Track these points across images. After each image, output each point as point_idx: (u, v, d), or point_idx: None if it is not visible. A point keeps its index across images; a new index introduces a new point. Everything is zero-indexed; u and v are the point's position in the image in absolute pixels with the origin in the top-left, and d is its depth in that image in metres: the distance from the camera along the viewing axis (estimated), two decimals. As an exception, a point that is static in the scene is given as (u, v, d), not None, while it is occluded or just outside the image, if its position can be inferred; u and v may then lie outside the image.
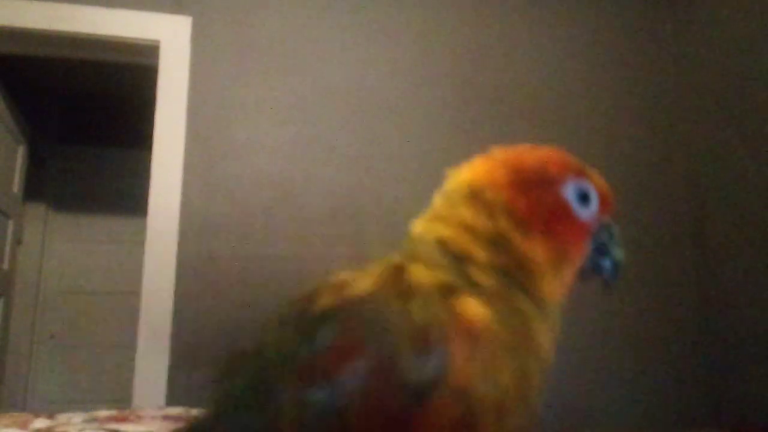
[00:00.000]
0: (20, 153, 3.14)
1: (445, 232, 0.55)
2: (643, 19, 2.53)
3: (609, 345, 2.21)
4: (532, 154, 0.60)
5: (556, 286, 0.54)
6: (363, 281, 0.51)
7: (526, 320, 0.50)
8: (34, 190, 3.64)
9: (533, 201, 0.55)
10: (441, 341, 0.44)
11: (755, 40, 2.09)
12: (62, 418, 1.14)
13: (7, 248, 3.10)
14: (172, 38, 2.13)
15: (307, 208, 2.11)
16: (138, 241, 3.68)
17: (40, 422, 1.08)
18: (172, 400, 1.84)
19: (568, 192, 0.57)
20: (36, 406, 3.55)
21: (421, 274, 0.50)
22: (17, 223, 3.24)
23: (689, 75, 2.44)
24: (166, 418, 1.15)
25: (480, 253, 0.52)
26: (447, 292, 0.48)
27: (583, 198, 0.58)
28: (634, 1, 2.55)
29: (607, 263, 0.60)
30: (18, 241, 3.38)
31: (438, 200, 0.61)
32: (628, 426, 2.14)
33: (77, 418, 1.14)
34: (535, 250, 0.53)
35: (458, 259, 0.52)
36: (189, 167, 2.06)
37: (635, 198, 2.34)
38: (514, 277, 0.52)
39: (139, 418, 1.14)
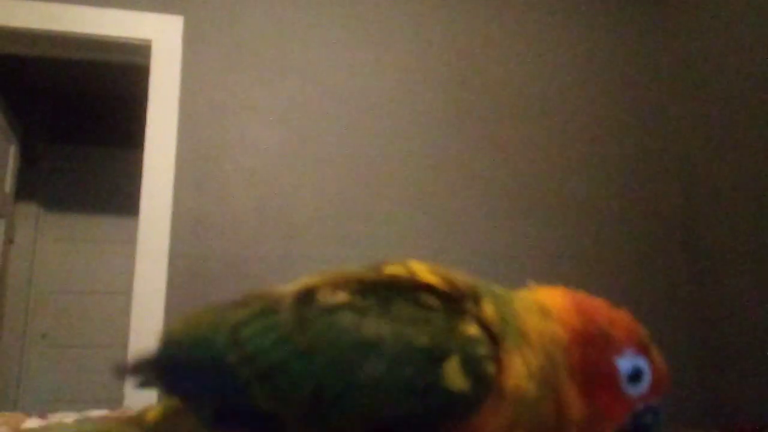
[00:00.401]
0: (12, 152, 3.13)
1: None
2: (638, 21, 2.54)
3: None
4: (605, 311, 0.59)
5: None
6: (428, 276, 0.53)
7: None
8: (25, 190, 3.62)
9: (587, 358, 0.54)
10: (485, 361, 0.48)
11: (750, 42, 2.10)
12: (54, 418, 1.14)
13: (-1, 248, 3.09)
14: (163, 37, 2.13)
15: (299, 207, 2.11)
16: (130, 241, 3.67)
17: (32, 422, 1.08)
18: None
19: (622, 364, 0.55)
20: (28, 405, 3.53)
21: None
22: (9, 223, 3.23)
23: (684, 77, 2.45)
24: (157, 417, 1.15)
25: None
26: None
27: (636, 375, 0.56)
28: (630, 2, 2.56)
29: None
30: (9, 241, 3.37)
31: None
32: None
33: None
34: (575, 401, 0.52)
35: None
36: (180, 167, 2.06)
37: (629, 197, 2.36)
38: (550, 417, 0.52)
39: (130, 418, 1.14)
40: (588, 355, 0.53)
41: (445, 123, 2.28)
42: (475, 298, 0.51)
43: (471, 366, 0.45)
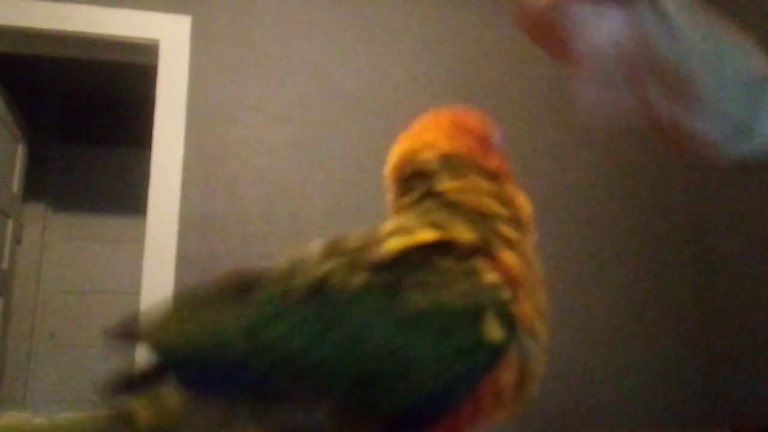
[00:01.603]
0: (20, 152, 3.13)
1: (463, 197, 0.58)
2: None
3: (608, 345, 2.20)
4: (471, 119, 0.68)
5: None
6: (424, 233, 0.53)
7: (532, 263, 0.56)
8: (33, 190, 3.64)
9: (497, 159, 0.62)
10: (512, 305, 0.49)
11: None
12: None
13: (7, 248, 3.09)
14: (171, 37, 2.13)
15: (306, 207, 2.11)
16: (137, 240, 3.68)
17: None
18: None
19: (499, 143, 0.66)
20: (35, 405, 3.55)
21: (464, 234, 0.54)
22: (17, 223, 3.24)
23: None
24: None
25: (502, 211, 0.57)
26: (488, 247, 0.53)
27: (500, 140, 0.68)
28: (634, 1, 2.54)
29: None
30: (18, 241, 3.38)
31: (432, 175, 0.64)
32: (627, 426, 2.13)
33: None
34: (523, 199, 0.60)
35: (485, 217, 0.57)
36: (188, 166, 2.06)
37: (634, 197, 2.34)
38: (519, 226, 0.57)
39: (138, 418, 1.13)
40: (497, 154, 0.64)
41: (453, 122, 2.27)
42: (484, 242, 0.54)
43: (503, 314, 0.47)
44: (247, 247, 2.04)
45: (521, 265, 0.53)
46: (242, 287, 0.51)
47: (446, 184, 0.58)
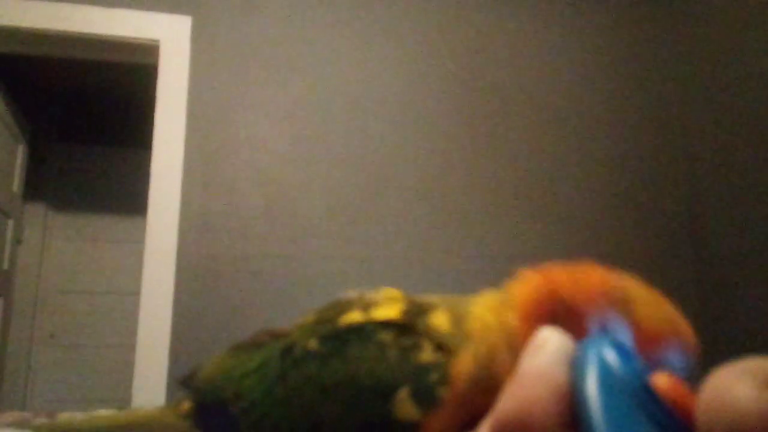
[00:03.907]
0: (20, 152, 3.14)
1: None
2: (644, 22, 2.53)
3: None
4: (569, 281, 0.60)
5: None
6: (387, 310, 0.56)
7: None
8: (33, 190, 3.64)
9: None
10: (437, 387, 0.48)
11: (757, 41, 2.09)
12: (62, 417, 1.14)
13: (7, 248, 3.10)
14: (171, 38, 2.13)
15: (307, 207, 2.11)
16: (138, 241, 3.69)
17: (40, 422, 1.08)
18: (171, 399, 1.84)
19: (667, 360, 0.56)
20: (35, 405, 3.55)
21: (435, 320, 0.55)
22: (17, 223, 3.25)
23: (691, 78, 2.44)
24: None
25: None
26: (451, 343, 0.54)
27: (676, 365, 0.56)
28: (636, 2, 2.54)
29: None
30: (18, 241, 3.38)
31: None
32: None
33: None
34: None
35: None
36: (189, 167, 2.06)
37: (634, 197, 2.34)
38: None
39: (138, 418, 1.13)
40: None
41: (453, 123, 2.27)
42: (427, 315, 0.51)
43: (422, 394, 0.46)
44: (247, 247, 2.04)
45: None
46: (262, 342, 0.58)
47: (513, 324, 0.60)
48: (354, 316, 0.53)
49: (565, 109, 2.38)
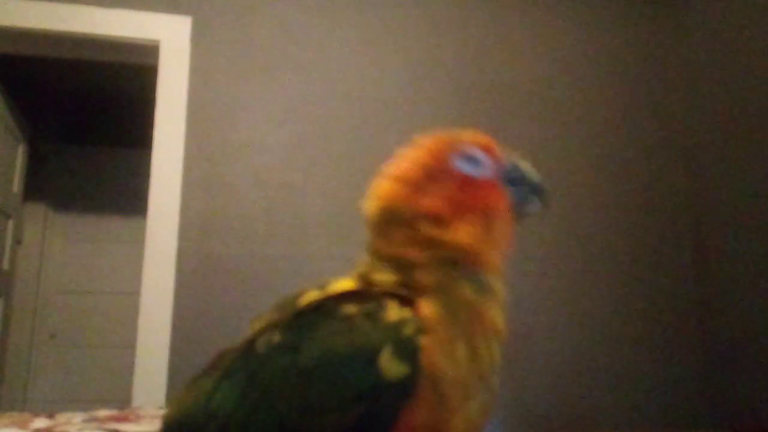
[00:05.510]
0: (20, 152, 3.14)
1: (388, 250, 0.60)
2: (645, 19, 2.53)
3: (608, 345, 2.21)
4: (410, 157, 0.67)
5: (494, 255, 0.59)
6: (341, 283, 0.55)
7: (471, 304, 0.54)
8: (33, 190, 3.64)
9: (437, 195, 0.59)
10: (415, 339, 0.49)
11: (758, 38, 2.09)
12: (62, 417, 1.14)
13: (7, 248, 3.10)
14: (171, 38, 2.13)
15: (307, 207, 2.11)
16: (138, 241, 3.68)
17: (40, 422, 1.08)
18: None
19: (457, 166, 0.61)
20: (36, 405, 3.55)
21: (382, 278, 0.55)
22: (17, 223, 3.25)
23: (692, 76, 2.44)
24: (165, 417, 1.15)
25: (418, 256, 0.56)
26: (404, 293, 0.53)
27: (472, 160, 0.62)
28: (636, 2, 2.55)
29: (527, 188, 0.65)
30: (18, 241, 3.38)
31: (368, 233, 0.66)
32: (626, 426, 2.14)
33: (77, 417, 1.14)
34: (460, 234, 0.56)
35: (405, 267, 0.57)
36: (189, 167, 2.06)
37: (635, 198, 2.35)
38: (457, 264, 0.56)
39: (138, 418, 1.14)
40: (435, 192, 0.60)
41: (453, 123, 2.27)
42: (406, 287, 0.54)
43: (403, 348, 0.47)
44: (248, 247, 2.04)
45: (441, 308, 0.52)
46: (215, 365, 0.57)
47: (375, 242, 0.62)
48: (312, 295, 0.54)
49: (566, 109, 2.38)
